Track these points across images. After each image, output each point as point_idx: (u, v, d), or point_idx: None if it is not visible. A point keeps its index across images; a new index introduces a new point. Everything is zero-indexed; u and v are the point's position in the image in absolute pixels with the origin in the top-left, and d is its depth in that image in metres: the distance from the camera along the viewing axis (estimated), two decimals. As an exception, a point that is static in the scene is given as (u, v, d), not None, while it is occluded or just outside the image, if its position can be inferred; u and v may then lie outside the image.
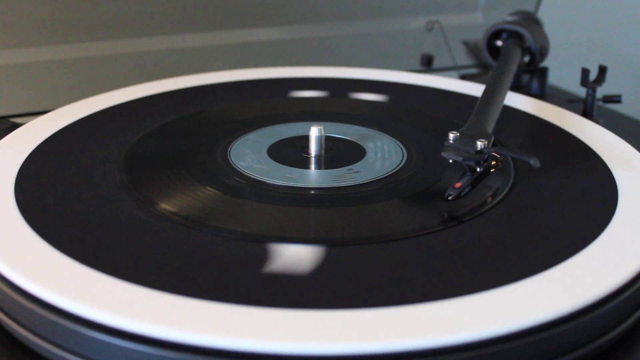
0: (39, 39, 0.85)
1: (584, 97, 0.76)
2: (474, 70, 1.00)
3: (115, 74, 0.89)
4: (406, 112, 0.73)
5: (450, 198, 0.52)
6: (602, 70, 0.75)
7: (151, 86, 0.77)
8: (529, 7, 1.00)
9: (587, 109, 0.76)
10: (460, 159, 0.53)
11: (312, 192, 0.56)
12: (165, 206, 0.53)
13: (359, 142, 0.65)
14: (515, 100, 0.75)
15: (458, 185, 0.52)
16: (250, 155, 0.62)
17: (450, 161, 0.54)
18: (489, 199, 0.54)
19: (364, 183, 0.57)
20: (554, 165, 0.59)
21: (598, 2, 1.24)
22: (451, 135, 0.54)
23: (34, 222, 0.50)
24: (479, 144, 0.53)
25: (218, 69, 0.83)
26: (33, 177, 0.56)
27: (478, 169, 0.53)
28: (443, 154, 0.54)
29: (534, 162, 0.51)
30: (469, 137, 0.54)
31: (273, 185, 0.57)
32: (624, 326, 0.45)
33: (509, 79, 0.71)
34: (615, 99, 0.78)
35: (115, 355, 0.40)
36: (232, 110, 0.73)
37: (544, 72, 0.84)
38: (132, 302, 0.41)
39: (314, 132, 0.62)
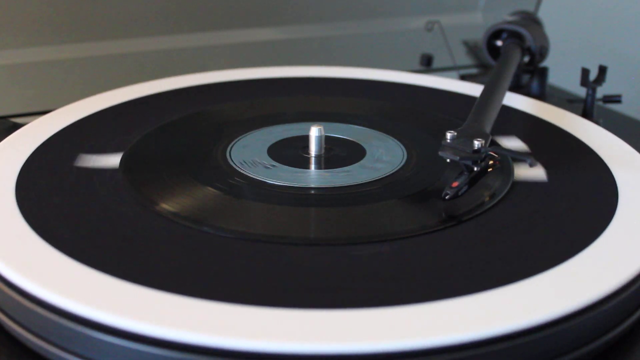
0: (39, 39, 0.85)
1: (584, 97, 0.76)
2: (474, 70, 1.00)
3: (115, 74, 0.88)
4: (406, 112, 0.74)
5: (447, 197, 0.52)
6: (602, 70, 0.75)
7: (151, 86, 0.77)
8: (529, 7, 1.00)
9: (587, 109, 0.76)
10: (457, 158, 0.53)
11: (312, 192, 0.56)
12: (165, 206, 0.53)
13: (359, 142, 0.65)
14: (515, 100, 0.75)
15: (455, 184, 0.52)
16: (250, 155, 0.62)
17: (448, 160, 0.54)
18: (487, 199, 0.54)
19: (364, 183, 0.57)
20: (554, 165, 0.59)
21: (598, 2, 1.24)
22: (448, 135, 0.54)
23: (34, 222, 0.50)
24: (476, 144, 0.53)
25: (218, 69, 0.83)
26: (34, 178, 0.56)
27: (475, 169, 0.53)
28: (440, 153, 0.54)
29: (531, 161, 0.51)
30: (466, 137, 0.54)
31: (273, 185, 0.57)
32: (624, 326, 0.45)
33: (508, 79, 0.71)
34: (615, 99, 0.78)
35: (115, 355, 0.40)
36: (232, 110, 0.73)
37: (544, 72, 0.84)
38: (132, 302, 0.41)
39: (314, 132, 0.62)
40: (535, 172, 0.58)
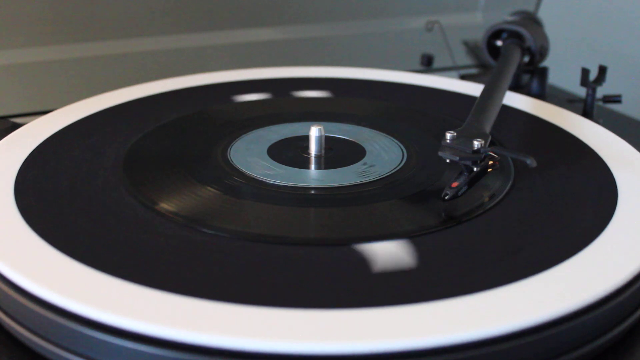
0: (39, 39, 0.85)
1: (584, 97, 0.76)
2: (474, 70, 1.00)
3: (115, 74, 0.89)
4: (406, 112, 0.74)
5: (447, 198, 0.52)
6: (602, 70, 0.75)
7: (151, 86, 0.77)
8: (529, 7, 1.00)
9: (587, 109, 0.76)
10: (457, 158, 0.53)
11: (312, 192, 0.56)
12: (165, 206, 0.53)
13: (359, 142, 0.65)
14: (515, 100, 0.75)
15: (455, 184, 0.52)
16: (250, 155, 0.62)
17: (448, 161, 0.54)
18: (486, 199, 0.54)
19: (364, 183, 0.57)
20: (554, 165, 0.59)
21: (598, 2, 1.24)
22: (448, 135, 0.54)
23: (34, 222, 0.50)
24: (476, 144, 0.53)
25: (218, 69, 0.83)
26: (33, 178, 0.56)
27: (475, 169, 0.53)
28: (440, 153, 0.54)
29: (531, 161, 0.51)
30: (465, 137, 0.54)
31: (273, 185, 0.57)
32: (624, 326, 0.45)
33: (508, 79, 0.71)
34: (615, 99, 0.78)
35: (115, 355, 0.40)
36: (232, 110, 0.73)
37: (544, 72, 0.84)
38: (132, 302, 0.41)
39: (314, 132, 0.62)
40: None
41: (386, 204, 0.54)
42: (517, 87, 0.83)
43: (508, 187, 0.56)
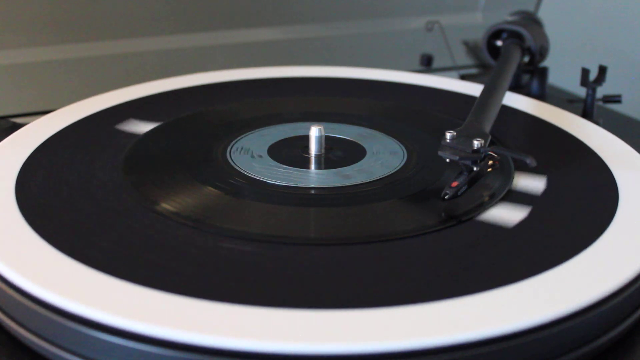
0: (39, 39, 0.85)
1: (584, 97, 0.76)
2: (474, 70, 1.00)
3: (115, 74, 0.89)
4: (406, 112, 0.74)
5: (446, 197, 0.52)
6: (602, 70, 0.75)
7: (151, 86, 0.77)
8: (529, 7, 1.00)
9: (587, 109, 0.76)
10: (457, 158, 0.53)
11: (312, 192, 0.56)
12: (165, 206, 0.53)
13: (359, 142, 0.65)
14: (515, 100, 0.75)
15: (455, 184, 0.52)
16: (250, 155, 0.62)
17: (447, 160, 0.54)
18: (486, 199, 0.54)
19: (364, 183, 0.57)
20: (554, 165, 0.59)
21: (598, 2, 1.24)
22: (448, 135, 0.54)
23: (34, 222, 0.50)
24: (476, 144, 0.53)
25: (218, 69, 0.83)
26: (34, 178, 0.56)
27: (475, 168, 0.53)
28: (439, 153, 0.54)
29: (530, 161, 0.51)
30: (465, 137, 0.54)
31: (273, 185, 0.57)
32: (624, 326, 0.45)
33: (508, 78, 0.71)
34: (615, 99, 0.78)
35: (115, 355, 0.40)
36: (232, 110, 0.73)
37: (544, 72, 0.84)
38: (132, 302, 0.41)
39: (314, 132, 0.62)
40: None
41: (386, 204, 0.54)
42: (517, 87, 0.83)
43: (508, 187, 0.56)
